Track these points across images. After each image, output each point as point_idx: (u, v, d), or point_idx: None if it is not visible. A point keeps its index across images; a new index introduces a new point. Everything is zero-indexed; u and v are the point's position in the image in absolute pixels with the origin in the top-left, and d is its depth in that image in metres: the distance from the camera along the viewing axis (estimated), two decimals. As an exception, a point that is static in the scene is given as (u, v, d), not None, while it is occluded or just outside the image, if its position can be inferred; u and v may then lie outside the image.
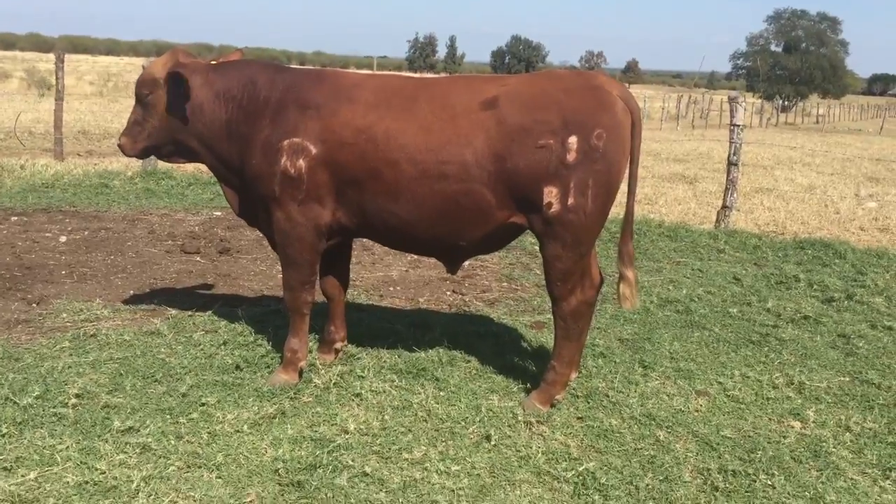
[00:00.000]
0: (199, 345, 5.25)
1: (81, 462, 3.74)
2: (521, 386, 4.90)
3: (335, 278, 5.17)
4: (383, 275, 7.59)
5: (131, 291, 6.59)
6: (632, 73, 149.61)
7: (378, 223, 4.62)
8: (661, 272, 7.99)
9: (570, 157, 4.24)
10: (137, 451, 3.89)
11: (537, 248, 8.63)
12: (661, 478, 3.90)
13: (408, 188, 4.42)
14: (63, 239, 8.19)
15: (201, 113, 4.77)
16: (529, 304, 6.83)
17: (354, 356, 5.19)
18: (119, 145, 4.98)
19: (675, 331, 6.12)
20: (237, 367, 4.93)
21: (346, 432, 4.19)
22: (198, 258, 7.82)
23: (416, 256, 8.14)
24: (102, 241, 8.19)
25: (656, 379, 5.12)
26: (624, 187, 4.51)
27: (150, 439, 3.98)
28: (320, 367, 4.96)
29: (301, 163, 4.48)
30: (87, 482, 3.58)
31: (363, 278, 7.42)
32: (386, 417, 4.39)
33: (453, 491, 3.70)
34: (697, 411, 4.70)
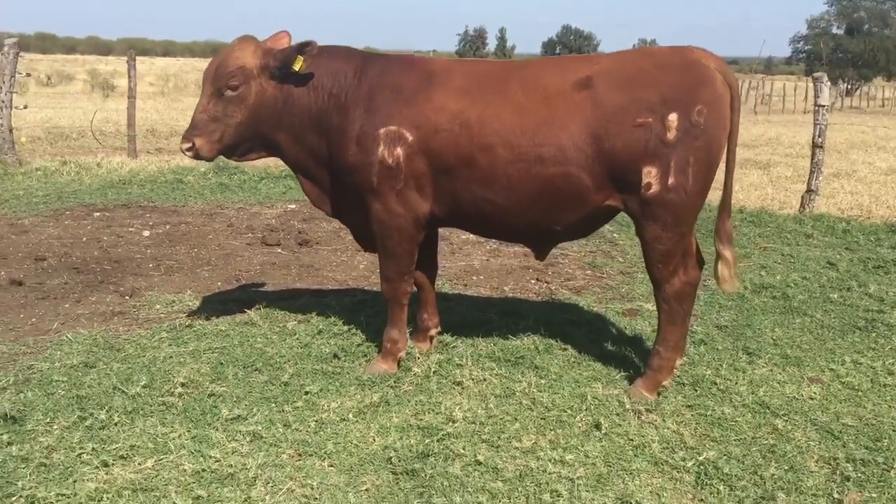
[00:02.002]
0: (295, 334, 5.24)
1: (195, 450, 3.74)
2: (622, 374, 4.77)
3: (424, 266, 5.09)
4: (465, 264, 7.51)
5: (219, 283, 6.63)
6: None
7: (471, 211, 4.51)
8: (749, 258, 7.76)
9: (670, 135, 4.11)
10: (248, 439, 3.88)
11: (616, 235, 8.57)
12: (785, 467, 3.74)
13: (503, 173, 4.31)
14: (146, 233, 8.30)
15: (293, 104, 4.57)
16: (617, 291, 6.68)
17: (450, 345, 5.12)
18: (191, 148, 4.51)
19: (775, 317, 5.91)
20: (335, 356, 4.90)
21: (453, 420, 4.11)
22: (279, 250, 7.84)
23: (495, 245, 8.06)
24: (184, 235, 8.28)
25: (763, 366, 4.94)
26: (722, 165, 4.36)
27: (259, 427, 3.97)
28: (418, 356, 4.90)
29: (399, 151, 4.37)
30: (203, 470, 3.58)
31: (445, 268, 7.34)
32: (490, 405, 4.31)
33: (571, 480, 3.59)
34: (812, 399, 4.51)
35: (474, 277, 7.07)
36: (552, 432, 4.05)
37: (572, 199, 4.34)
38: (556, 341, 5.23)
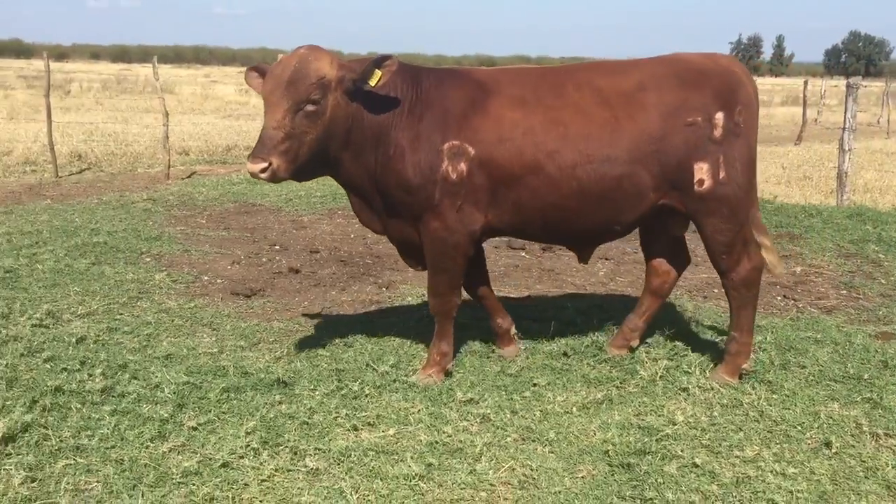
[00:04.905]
0: (528, 331, 5.54)
1: (431, 425, 4.16)
2: (864, 396, 4.55)
3: (479, 278, 5.15)
4: (707, 276, 7.41)
5: (465, 281, 7.11)
6: None
7: (534, 217, 4.54)
8: None
9: (717, 132, 4.42)
10: (478, 420, 4.24)
11: (882, 256, 7.98)
12: None
13: (571, 176, 4.40)
14: (405, 233, 9.04)
15: (360, 120, 4.36)
16: (874, 313, 6.27)
17: (679, 352, 5.16)
18: (267, 169, 4.02)
19: None
20: (564, 354, 5.14)
21: (674, 423, 4.20)
22: (523, 253, 8.22)
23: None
24: (438, 236, 8.91)
25: None
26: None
27: (488, 411, 4.31)
28: (646, 360, 5.00)
29: (462, 166, 4.37)
30: (436, 442, 3.98)
31: (686, 279, 7.29)
32: (715, 413, 4.33)
33: (791, 492, 3.55)
34: None
35: (715, 290, 6.96)
36: (777, 446, 4.00)
37: (634, 198, 4.52)
38: (795, 358, 5.09)
